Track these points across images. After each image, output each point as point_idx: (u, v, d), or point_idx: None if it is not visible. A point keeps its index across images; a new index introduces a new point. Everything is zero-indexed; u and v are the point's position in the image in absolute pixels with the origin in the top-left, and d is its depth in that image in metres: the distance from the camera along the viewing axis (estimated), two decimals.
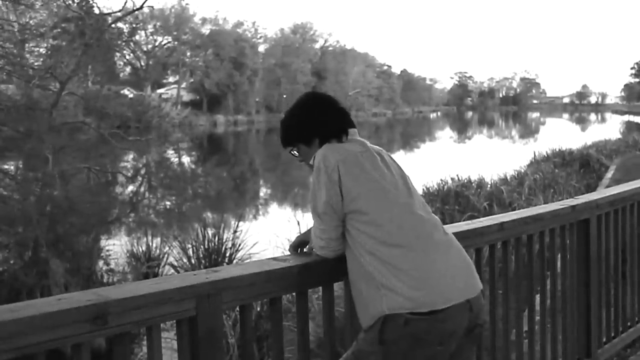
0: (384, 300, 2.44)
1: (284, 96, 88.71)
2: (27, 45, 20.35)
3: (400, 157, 44.83)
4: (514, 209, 11.68)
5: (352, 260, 2.62)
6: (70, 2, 20.82)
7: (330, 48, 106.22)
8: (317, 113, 2.90)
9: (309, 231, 2.88)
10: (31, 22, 19.86)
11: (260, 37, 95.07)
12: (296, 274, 2.67)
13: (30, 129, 15.79)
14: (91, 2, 21.71)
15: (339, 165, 2.64)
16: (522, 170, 19.31)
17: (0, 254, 13.46)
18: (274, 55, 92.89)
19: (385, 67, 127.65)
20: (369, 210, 2.60)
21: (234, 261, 11.34)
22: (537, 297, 4.23)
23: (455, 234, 2.74)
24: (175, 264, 11.66)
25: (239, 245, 11.71)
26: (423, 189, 15.73)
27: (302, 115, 2.90)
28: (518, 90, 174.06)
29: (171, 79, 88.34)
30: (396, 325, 2.41)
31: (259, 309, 7.37)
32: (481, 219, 3.91)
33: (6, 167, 17.49)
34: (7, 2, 18.01)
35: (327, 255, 2.71)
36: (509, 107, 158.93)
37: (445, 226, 2.77)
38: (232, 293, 2.44)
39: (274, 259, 2.76)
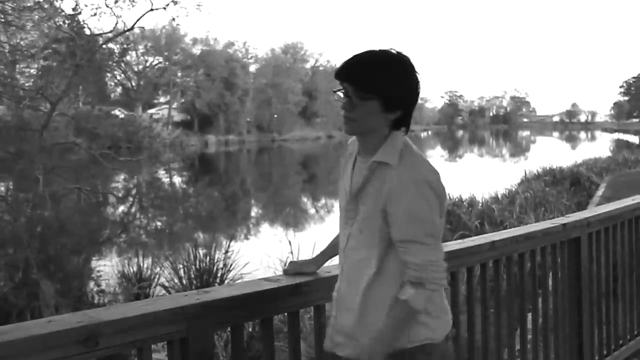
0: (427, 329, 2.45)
1: (275, 116, 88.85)
2: (17, 66, 20.37)
3: None
4: (505, 228, 11.70)
5: (385, 288, 2.41)
6: (61, 23, 20.82)
7: (321, 68, 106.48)
8: (418, 86, 2.45)
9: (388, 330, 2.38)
10: (22, 43, 19.87)
11: (251, 57, 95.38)
12: (287, 294, 2.66)
13: (21, 150, 15.77)
14: (82, 23, 21.74)
15: (440, 181, 2.42)
16: (513, 189, 19.36)
17: None
18: (264, 75, 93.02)
19: None
20: None
21: (226, 281, 11.30)
22: (529, 315, 4.23)
23: (446, 252, 2.75)
24: (167, 284, 11.60)
25: (231, 266, 11.66)
26: None
27: (410, 75, 2.42)
28: (508, 109, 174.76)
29: (162, 99, 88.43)
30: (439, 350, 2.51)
31: (250, 329, 7.33)
32: (472, 237, 3.92)
33: None
34: None
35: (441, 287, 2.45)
36: (499, 125, 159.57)
37: None
38: (224, 314, 2.43)
39: (266, 279, 2.75)
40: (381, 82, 2.35)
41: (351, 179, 2.52)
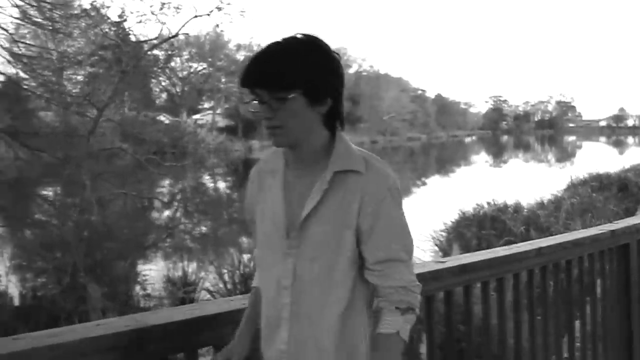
0: None
1: None
2: (65, 72, 20.64)
3: (436, 181, 44.71)
4: (551, 234, 11.57)
5: (357, 316, 2.07)
6: (107, 30, 21.08)
7: (364, 73, 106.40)
8: (340, 67, 2.09)
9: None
10: (69, 50, 20.16)
11: None
12: None
13: (69, 155, 15.97)
14: (128, 30, 21.98)
15: None
16: (559, 195, 19.13)
17: (39, 279, 13.60)
18: None
19: (420, 92, 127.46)
20: None
21: None
22: (577, 322, 4.17)
23: (492, 259, 2.71)
24: (211, 289, 11.68)
25: None
26: (459, 214, 15.63)
27: (327, 54, 2.03)
28: (554, 113, 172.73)
29: (206, 105, 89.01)
30: None
31: None
32: (519, 244, 3.88)
33: (45, 193, 17.70)
34: (46, 31, 18.31)
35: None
36: (544, 130, 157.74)
37: (482, 251, 2.74)
38: None
39: None
40: (296, 71, 1.95)
41: (286, 199, 2.08)
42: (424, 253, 14.13)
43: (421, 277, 3.03)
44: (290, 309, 2.05)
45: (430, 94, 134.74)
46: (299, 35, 2.02)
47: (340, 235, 2.01)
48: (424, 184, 41.88)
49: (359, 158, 2.04)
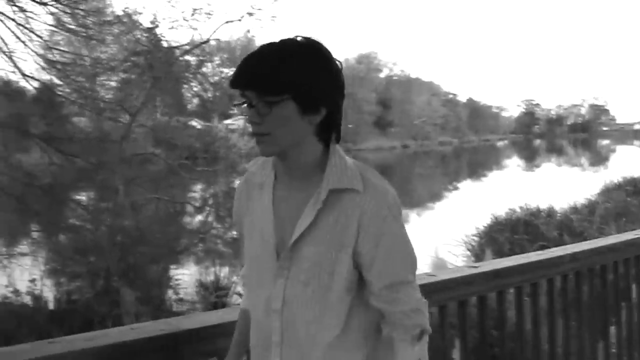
0: None
1: (350, 126, 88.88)
2: (98, 78, 20.82)
3: (468, 185, 44.49)
4: (585, 239, 11.46)
5: (351, 349, 1.95)
6: (140, 36, 21.24)
7: (395, 77, 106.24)
8: (340, 75, 1.97)
9: None
10: (102, 56, 20.33)
11: None
12: None
13: (102, 161, 16.11)
14: (159, 36, 22.13)
15: None
16: (593, 199, 18.94)
17: (73, 283, 13.73)
18: None
19: (451, 96, 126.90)
20: None
21: None
22: (612, 328, 4.12)
23: (526, 264, 2.69)
24: (243, 293, 11.71)
25: None
26: (491, 218, 15.54)
27: (327, 60, 1.92)
28: (587, 117, 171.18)
29: (237, 110, 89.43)
30: None
31: None
32: (552, 249, 3.86)
33: (79, 197, 17.86)
34: (79, 38, 18.49)
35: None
36: (577, 134, 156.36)
37: (515, 256, 2.71)
38: None
39: None
40: (288, 74, 1.82)
41: (276, 216, 1.95)
42: (456, 258, 14.07)
43: (454, 281, 3.03)
44: (280, 333, 1.93)
45: (462, 98, 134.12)
46: (299, 38, 1.90)
47: (335, 258, 1.88)
48: (456, 188, 41.75)
49: (356, 174, 1.90)
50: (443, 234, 15.51)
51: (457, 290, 3.05)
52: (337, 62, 1.93)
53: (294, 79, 1.82)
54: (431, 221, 25.15)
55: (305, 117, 1.85)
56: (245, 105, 1.89)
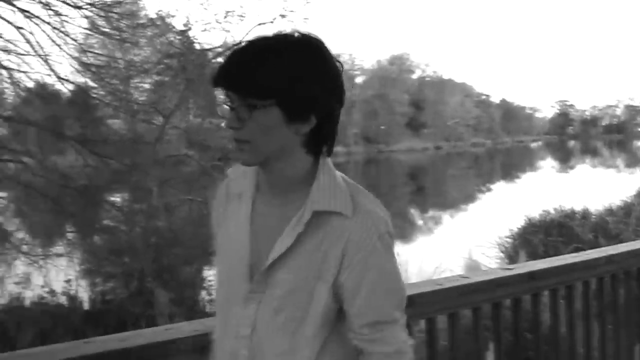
0: None
1: (382, 127, 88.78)
2: (132, 81, 20.99)
3: (501, 187, 44.22)
4: (621, 241, 11.34)
5: None
6: (173, 38, 21.37)
7: (428, 78, 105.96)
8: (339, 78, 1.76)
9: None
10: (136, 58, 20.50)
11: (357, 68, 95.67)
12: None
13: (136, 162, 16.23)
14: (192, 38, 22.26)
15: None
16: (629, 201, 18.72)
17: (108, 284, 13.85)
18: (371, 86, 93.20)
19: (484, 97, 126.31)
20: None
21: None
22: None
23: (561, 266, 2.67)
24: None
25: None
26: (525, 220, 15.44)
27: (323, 61, 1.70)
28: (622, 118, 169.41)
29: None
30: None
31: None
32: (588, 251, 3.83)
33: (113, 199, 18.02)
34: (113, 41, 18.66)
35: None
36: (613, 135, 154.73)
37: (550, 258, 2.69)
38: None
39: None
40: (275, 77, 1.60)
41: (252, 232, 1.76)
42: (490, 260, 14.00)
43: (488, 283, 3.01)
44: None
45: (495, 99, 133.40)
46: (295, 34, 1.69)
47: (313, 288, 1.69)
48: (489, 189, 41.50)
49: (345, 195, 1.71)
50: (476, 235, 15.44)
51: (491, 292, 3.03)
52: (337, 64, 1.72)
53: (279, 82, 1.60)
54: (464, 223, 25.05)
55: (291, 126, 1.65)
56: (228, 106, 1.68)
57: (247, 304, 1.74)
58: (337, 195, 1.70)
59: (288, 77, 1.61)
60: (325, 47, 1.70)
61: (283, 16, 22.36)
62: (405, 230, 24.94)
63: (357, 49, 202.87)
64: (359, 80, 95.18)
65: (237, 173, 1.88)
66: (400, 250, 12.28)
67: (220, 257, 1.87)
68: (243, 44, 1.70)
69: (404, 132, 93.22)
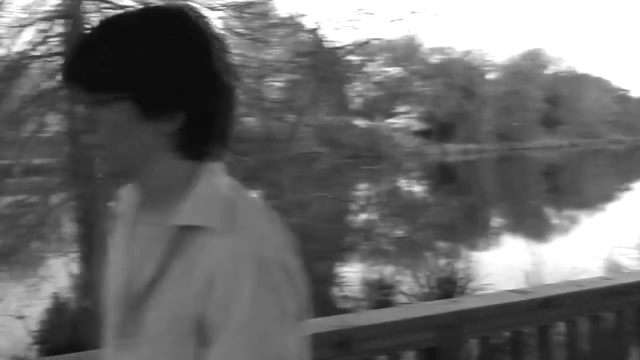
0: None
1: (515, 124, 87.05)
2: (265, 80, 21.40)
3: None
4: None
5: None
6: (304, 37, 21.66)
7: (562, 74, 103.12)
8: (219, 74, 1.32)
9: None
10: (268, 58, 20.89)
11: (489, 64, 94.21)
12: (537, 307, 2.59)
13: (270, 159, 16.53)
14: (323, 36, 22.50)
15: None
16: None
17: None
18: (503, 82, 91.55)
19: (622, 92, 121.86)
20: None
21: (467, 292, 11.26)
22: None
23: None
24: (408, 292, 11.74)
25: (472, 276, 11.60)
26: None
27: (199, 51, 1.29)
28: None
29: (401, 109, 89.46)
30: None
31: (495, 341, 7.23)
32: None
33: None
34: (246, 41, 19.07)
35: None
36: None
37: None
38: (472, 324, 2.41)
39: (513, 291, 2.71)
40: (123, 63, 1.25)
41: (129, 262, 1.37)
42: (631, 261, 13.53)
43: (634, 286, 2.90)
44: None
45: (635, 94, 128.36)
46: (159, 5, 1.33)
47: (181, 329, 1.26)
48: (629, 189, 39.95)
49: (220, 206, 1.28)
50: (615, 236, 14.93)
51: (636, 295, 2.93)
52: (215, 44, 1.31)
53: (127, 69, 1.25)
54: (602, 223, 24.25)
55: (149, 125, 1.28)
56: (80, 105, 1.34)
57: (119, 354, 1.36)
58: (210, 205, 1.29)
59: (138, 62, 1.25)
60: (196, 21, 1.31)
61: (413, 12, 22.28)
62: (540, 230, 24.38)
63: (488, 44, 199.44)
64: (491, 76, 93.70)
65: (127, 189, 1.51)
66: (535, 249, 12.04)
67: (104, 292, 1.47)
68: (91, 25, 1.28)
69: (538, 129, 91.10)
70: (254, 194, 1.38)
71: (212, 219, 1.26)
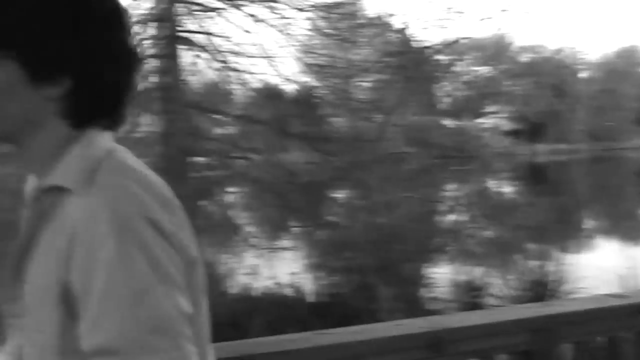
0: None
1: (609, 124, 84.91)
2: (352, 80, 21.43)
3: None
4: None
5: None
6: (392, 37, 21.59)
7: None
8: (115, 39, 1.29)
9: None
10: (355, 58, 20.91)
11: (582, 63, 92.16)
12: (636, 312, 2.51)
13: (357, 160, 16.54)
14: (411, 36, 22.39)
15: (170, 203, 1.27)
16: None
17: (331, 278, 14.22)
18: (597, 81, 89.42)
19: None
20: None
21: (558, 295, 11.05)
22: None
23: None
24: (498, 294, 11.59)
25: (564, 279, 11.38)
26: None
27: (92, 12, 1.25)
28: None
29: (490, 109, 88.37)
30: None
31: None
32: None
33: (335, 195, 18.49)
34: (334, 41, 19.14)
35: None
36: None
37: None
38: (567, 329, 2.35)
39: (611, 295, 2.63)
40: (8, 18, 1.19)
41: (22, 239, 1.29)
42: None
43: None
44: None
45: None
46: None
47: (50, 298, 1.16)
48: None
49: (81, 165, 1.23)
50: None
51: None
52: (112, 6, 1.28)
53: (8, 26, 1.19)
54: None
55: (35, 88, 1.22)
56: None
57: (13, 336, 1.28)
58: (72, 167, 1.23)
59: (22, 20, 1.18)
60: None
61: (503, 11, 21.97)
62: (636, 233, 23.70)
63: (581, 42, 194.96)
64: (583, 75, 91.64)
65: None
66: (631, 253, 11.74)
67: None
68: None
69: (632, 129, 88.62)
70: (138, 158, 1.30)
71: (71, 180, 1.20)
